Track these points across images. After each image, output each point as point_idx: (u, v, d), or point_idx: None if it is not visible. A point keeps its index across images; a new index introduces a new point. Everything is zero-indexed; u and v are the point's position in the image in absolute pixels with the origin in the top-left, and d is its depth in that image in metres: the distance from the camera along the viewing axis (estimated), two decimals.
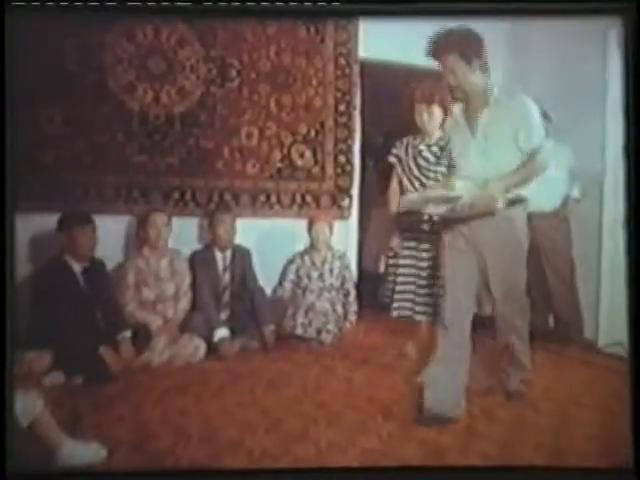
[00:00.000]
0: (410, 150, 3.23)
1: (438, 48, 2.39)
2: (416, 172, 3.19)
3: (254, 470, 1.78)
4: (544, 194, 3.76)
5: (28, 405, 1.83)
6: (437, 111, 3.10)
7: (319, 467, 1.82)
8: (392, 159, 3.27)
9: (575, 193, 3.71)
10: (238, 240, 3.69)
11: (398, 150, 3.27)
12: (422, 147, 3.20)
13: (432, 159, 3.17)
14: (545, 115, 3.78)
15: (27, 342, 2.77)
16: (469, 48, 2.35)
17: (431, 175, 3.15)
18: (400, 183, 3.26)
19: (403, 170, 3.24)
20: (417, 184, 3.17)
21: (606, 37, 3.49)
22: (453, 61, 2.37)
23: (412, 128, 4.68)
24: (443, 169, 3.08)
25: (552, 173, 3.72)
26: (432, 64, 4.30)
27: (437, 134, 3.17)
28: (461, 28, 2.31)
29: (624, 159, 1.69)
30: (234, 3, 1.69)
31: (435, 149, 3.17)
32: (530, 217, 3.82)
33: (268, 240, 3.93)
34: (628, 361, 1.70)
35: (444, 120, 3.07)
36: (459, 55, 2.35)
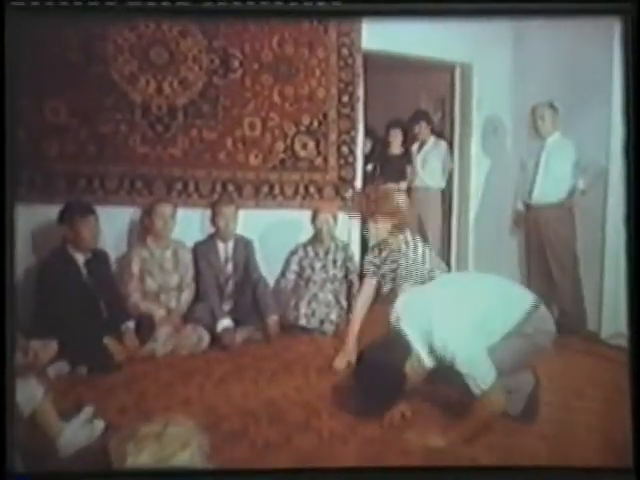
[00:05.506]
0: None
1: None
2: None
3: (254, 470, 1.79)
4: (550, 185, 3.76)
5: (30, 394, 1.83)
6: None
7: (319, 467, 1.83)
8: None
9: (581, 185, 3.69)
10: (241, 231, 3.69)
11: None
12: None
13: None
14: (552, 106, 3.78)
15: (32, 332, 2.79)
16: None
17: None
18: None
19: None
20: None
21: (612, 29, 3.46)
22: None
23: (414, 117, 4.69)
24: None
25: (558, 165, 3.74)
26: (435, 56, 4.33)
27: None
28: None
29: (624, 159, 1.68)
30: (235, 3, 1.68)
31: None
32: (535, 208, 3.85)
33: (271, 231, 3.94)
34: (628, 353, 1.70)
35: None
36: None
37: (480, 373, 2.06)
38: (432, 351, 2.16)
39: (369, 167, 4.68)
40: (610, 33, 3.46)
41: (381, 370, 2.16)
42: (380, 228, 2.88)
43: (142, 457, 1.62)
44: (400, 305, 2.34)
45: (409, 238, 2.94)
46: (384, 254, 2.96)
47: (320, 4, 1.69)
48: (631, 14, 1.62)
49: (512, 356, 2.20)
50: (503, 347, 2.17)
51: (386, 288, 3.00)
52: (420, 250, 2.91)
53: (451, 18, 1.95)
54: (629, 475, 1.62)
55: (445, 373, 2.18)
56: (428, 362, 2.20)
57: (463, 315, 2.16)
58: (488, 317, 2.19)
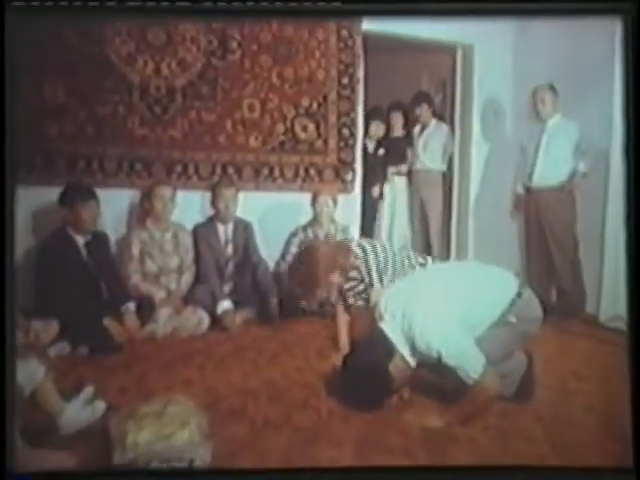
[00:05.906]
0: None
1: None
2: None
3: (254, 470, 1.82)
4: (550, 168, 3.75)
5: (31, 374, 1.85)
6: None
7: (315, 467, 1.86)
8: None
9: (581, 167, 3.67)
10: (241, 213, 3.69)
11: None
12: None
13: None
14: (552, 89, 3.75)
15: (33, 312, 2.81)
16: None
17: None
18: None
19: None
20: None
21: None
22: None
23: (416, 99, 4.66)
24: None
25: (558, 147, 3.73)
26: (436, 37, 4.29)
27: None
28: None
29: (624, 158, 1.68)
30: (234, 3, 1.68)
31: None
32: (535, 191, 3.85)
33: (271, 213, 3.94)
34: (627, 337, 1.71)
35: None
36: None
37: (470, 364, 2.04)
38: (415, 350, 2.14)
39: (381, 151, 4.63)
40: (613, 17, 3.44)
41: (366, 372, 2.14)
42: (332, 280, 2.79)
43: (142, 435, 1.64)
44: (381, 304, 2.30)
45: (359, 257, 2.79)
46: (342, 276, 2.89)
47: (320, 4, 1.69)
48: (631, 14, 1.62)
49: (500, 346, 2.18)
50: (489, 338, 2.15)
51: (357, 302, 2.95)
52: (372, 259, 2.78)
53: (452, 18, 1.94)
54: (629, 475, 1.64)
55: (435, 368, 2.17)
56: (412, 361, 2.17)
57: (445, 310, 2.12)
58: (471, 309, 2.16)
